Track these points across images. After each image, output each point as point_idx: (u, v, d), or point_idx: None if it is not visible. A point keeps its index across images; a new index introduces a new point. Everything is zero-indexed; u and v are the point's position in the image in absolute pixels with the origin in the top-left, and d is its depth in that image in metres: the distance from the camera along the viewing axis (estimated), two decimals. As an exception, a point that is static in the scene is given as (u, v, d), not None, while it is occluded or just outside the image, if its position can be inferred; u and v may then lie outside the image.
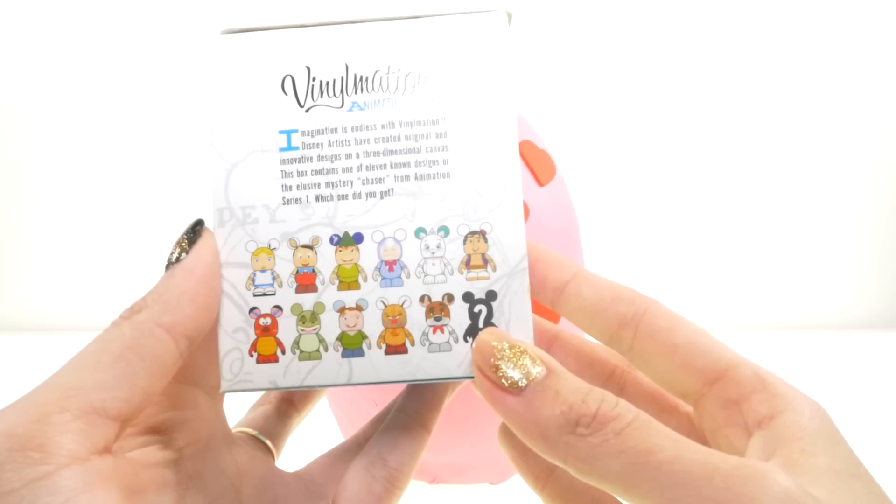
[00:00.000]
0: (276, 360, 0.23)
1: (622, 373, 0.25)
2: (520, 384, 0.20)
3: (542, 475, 0.26)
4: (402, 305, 0.23)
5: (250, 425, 0.28)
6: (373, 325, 0.23)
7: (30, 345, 0.81)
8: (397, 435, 0.26)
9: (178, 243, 0.22)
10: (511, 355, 0.21)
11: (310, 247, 0.23)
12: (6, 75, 0.80)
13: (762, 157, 0.82)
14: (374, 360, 0.23)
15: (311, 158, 0.24)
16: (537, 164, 0.45)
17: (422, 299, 0.23)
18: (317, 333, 0.23)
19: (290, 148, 0.24)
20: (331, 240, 0.23)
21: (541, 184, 0.44)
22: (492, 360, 0.21)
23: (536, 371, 0.20)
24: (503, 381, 0.20)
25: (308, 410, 0.30)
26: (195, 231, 0.23)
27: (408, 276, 0.23)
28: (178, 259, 0.22)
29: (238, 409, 0.31)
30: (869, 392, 0.67)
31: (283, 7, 0.76)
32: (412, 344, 0.23)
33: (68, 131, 0.81)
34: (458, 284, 0.23)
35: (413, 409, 0.26)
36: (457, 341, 0.23)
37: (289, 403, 0.29)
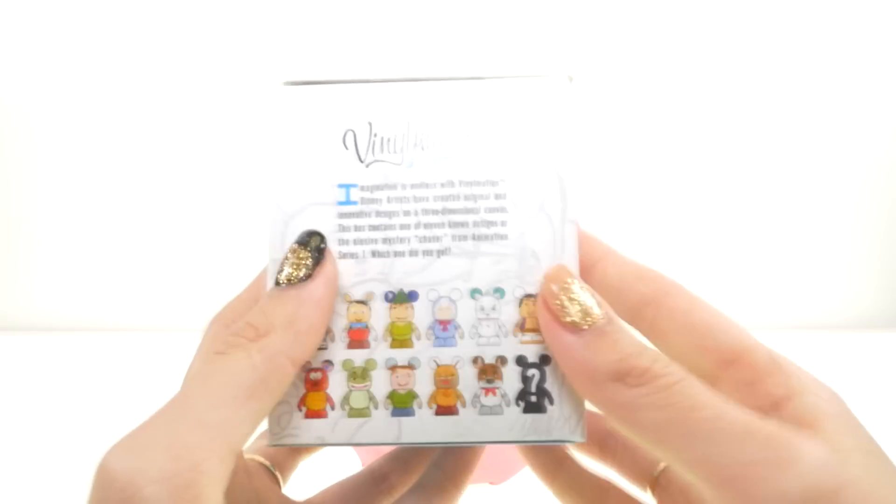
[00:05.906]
0: (325, 416, 0.23)
1: None
2: (582, 325, 0.20)
3: (552, 467, 0.26)
4: (454, 366, 0.23)
5: (259, 453, 0.28)
6: (424, 385, 0.23)
7: (30, 345, 0.80)
8: (432, 495, 0.25)
9: (302, 260, 0.22)
10: (578, 293, 0.21)
11: (363, 302, 0.23)
12: (7, 77, 0.78)
13: (762, 156, 0.82)
14: (424, 420, 0.23)
15: (370, 214, 0.23)
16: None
17: (474, 361, 0.23)
18: (367, 390, 0.23)
19: (348, 202, 0.23)
20: (385, 296, 0.23)
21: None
22: (560, 293, 0.21)
23: (599, 315, 0.20)
24: (565, 317, 0.20)
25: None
26: (320, 251, 0.22)
27: (461, 337, 0.23)
28: (304, 277, 0.21)
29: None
30: (869, 392, 0.68)
31: (332, 61, 0.74)
32: (463, 405, 0.23)
33: (70, 133, 0.80)
34: (512, 347, 0.23)
35: (450, 468, 0.26)
36: (508, 405, 0.23)
37: None
